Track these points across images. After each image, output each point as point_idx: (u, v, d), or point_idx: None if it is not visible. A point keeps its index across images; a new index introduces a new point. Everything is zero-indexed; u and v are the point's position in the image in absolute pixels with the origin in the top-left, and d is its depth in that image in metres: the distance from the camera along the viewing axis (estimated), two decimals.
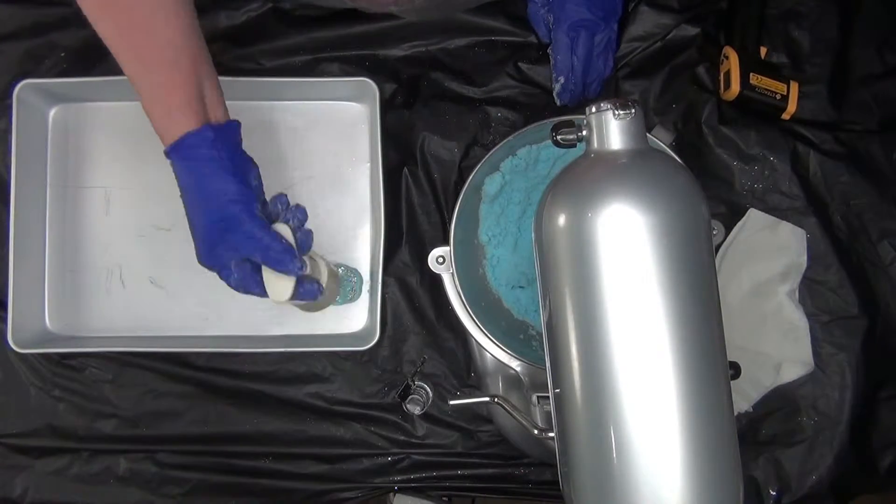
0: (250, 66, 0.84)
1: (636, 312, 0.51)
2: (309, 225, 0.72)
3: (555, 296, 0.54)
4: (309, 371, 0.83)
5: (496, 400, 0.67)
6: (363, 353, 0.82)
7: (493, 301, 0.76)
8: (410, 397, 0.80)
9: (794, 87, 0.83)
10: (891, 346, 0.82)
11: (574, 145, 0.57)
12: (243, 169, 0.69)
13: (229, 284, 0.69)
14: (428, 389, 0.82)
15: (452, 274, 0.73)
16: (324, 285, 0.72)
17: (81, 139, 0.84)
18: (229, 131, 0.69)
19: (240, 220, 0.66)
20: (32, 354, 0.82)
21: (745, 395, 0.81)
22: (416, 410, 0.80)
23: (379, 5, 0.75)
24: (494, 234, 0.77)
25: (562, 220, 0.53)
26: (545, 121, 0.75)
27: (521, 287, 0.76)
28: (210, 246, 0.67)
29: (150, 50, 0.66)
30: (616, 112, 0.54)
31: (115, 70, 0.84)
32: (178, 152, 0.66)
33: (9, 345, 0.78)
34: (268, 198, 0.72)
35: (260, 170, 0.71)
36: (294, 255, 0.67)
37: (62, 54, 0.85)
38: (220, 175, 0.66)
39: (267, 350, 0.81)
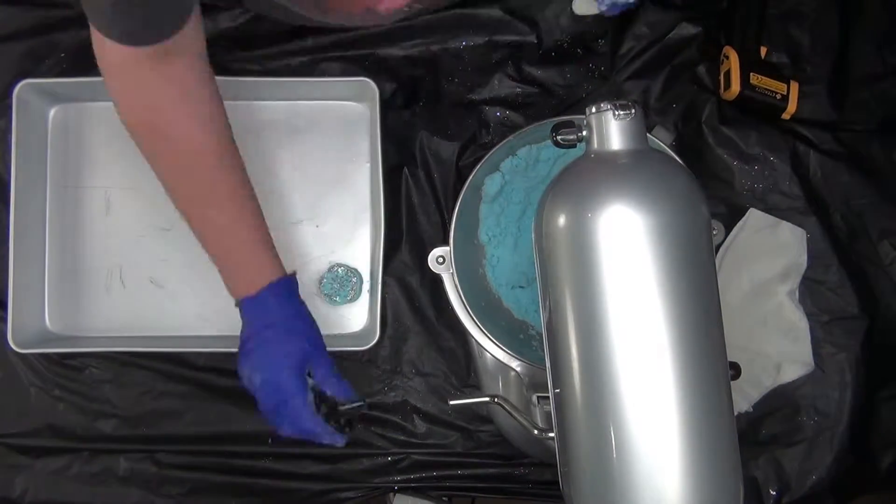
0: (251, 66, 0.84)
1: (636, 313, 0.51)
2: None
3: (555, 296, 0.54)
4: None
5: (496, 400, 0.67)
6: (363, 353, 0.82)
7: (493, 301, 0.76)
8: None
9: (794, 86, 0.82)
10: (891, 346, 0.82)
11: (574, 145, 0.57)
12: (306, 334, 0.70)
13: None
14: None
15: (452, 274, 0.73)
16: None
17: (81, 139, 0.84)
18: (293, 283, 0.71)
19: (292, 406, 0.68)
20: (32, 354, 0.82)
21: (745, 395, 0.81)
22: None
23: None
24: (494, 234, 0.77)
25: (562, 220, 0.53)
26: (545, 121, 0.75)
27: (521, 287, 0.76)
28: (268, 413, 0.69)
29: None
30: (616, 112, 0.54)
31: None
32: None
33: (9, 345, 0.77)
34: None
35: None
36: (339, 436, 0.70)
37: (62, 54, 0.85)
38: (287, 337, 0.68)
39: None
